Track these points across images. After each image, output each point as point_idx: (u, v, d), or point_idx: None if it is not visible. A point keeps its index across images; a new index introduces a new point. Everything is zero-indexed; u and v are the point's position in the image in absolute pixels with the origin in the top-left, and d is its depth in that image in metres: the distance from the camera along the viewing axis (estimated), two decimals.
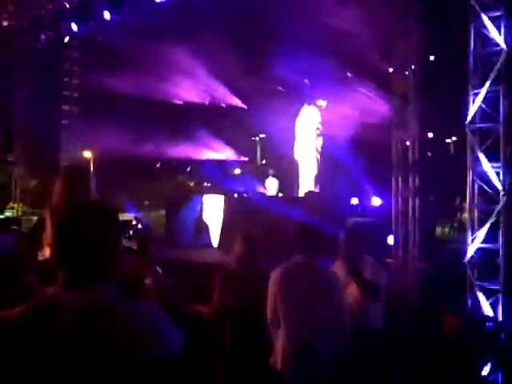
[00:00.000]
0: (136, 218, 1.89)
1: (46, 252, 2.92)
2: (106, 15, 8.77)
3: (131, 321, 1.45)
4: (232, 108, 13.57)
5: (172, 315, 1.59)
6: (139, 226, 1.85)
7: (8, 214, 13.17)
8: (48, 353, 1.39)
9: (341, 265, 4.38)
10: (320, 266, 3.44)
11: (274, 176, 11.93)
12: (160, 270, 1.77)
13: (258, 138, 14.07)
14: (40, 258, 2.97)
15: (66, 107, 13.48)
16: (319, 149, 10.97)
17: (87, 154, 14.96)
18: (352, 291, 4.07)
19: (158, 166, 15.88)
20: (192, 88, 13.21)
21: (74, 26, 9.41)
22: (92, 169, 14.40)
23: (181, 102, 13.97)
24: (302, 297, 3.29)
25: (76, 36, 10.55)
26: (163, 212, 13.14)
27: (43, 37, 10.08)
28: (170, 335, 1.56)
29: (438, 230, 10.43)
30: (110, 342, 1.40)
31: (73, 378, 1.38)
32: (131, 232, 1.82)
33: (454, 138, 10.48)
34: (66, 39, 10.84)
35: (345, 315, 3.33)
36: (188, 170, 15.64)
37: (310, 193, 11.02)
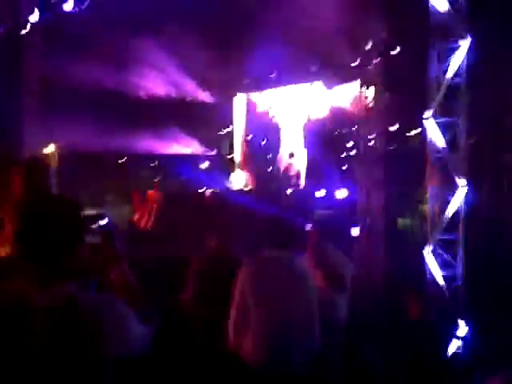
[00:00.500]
0: (98, 214, 1.87)
1: (5, 250, 2.84)
2: (68, 6, 8.56)
3: (96, 318, 1.44)
4: (199, 101, 13.48)
5: (139, 310, 1.59)
6: (103, 220, 1.83)
7: None
8: (13, 350, 1.37)
9: (307, 257, 4.43)
10: (290, 260, 3.35)
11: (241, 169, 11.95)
12: (126, 265, 1.76)
13: (225, 132, 14.02)
14: None
15: (26, 100, 13.08)
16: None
17: (49, 149, 14.57)
18: (318, 284, 4.12)
19: (122, 160, 15.61)
20: (158, 81, 13.03)
21: (35, 16, 9.15)
22: (55, 163, 14.04)
23: (147, 95, 13.77)
24: (274, 292, 3.18)
25: (37, 26, 10.24)
26: (127, 207, 12.97)
27: (1, 27, 9.76)
28: (136, 331, 1.55)
29: (400, 221, 10.66)
30: (74, 338, 1.39)
31: (37, 375, 1.37)
32: (95, 226, 1.80)
33: (415, 131, 10.72)
34: (27, 29, 10.51)
35: (315, 309, 3.30)
36: (153, 164, 15.44)
37: (278, 186, 11.10)
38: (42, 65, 12.34)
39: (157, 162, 15.38)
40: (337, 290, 4.22)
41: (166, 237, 9.04)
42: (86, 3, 8.50)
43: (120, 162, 15.74)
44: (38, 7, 8.98)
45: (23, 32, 10.48)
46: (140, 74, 12.51)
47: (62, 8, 8.75)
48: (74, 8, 8.65)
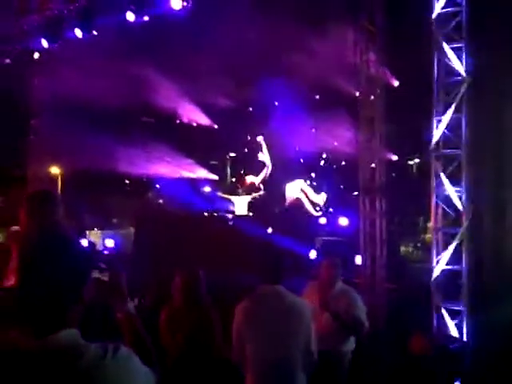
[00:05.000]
0: (90, 243, 1.85)
1: (10, 281, 2.76)
2: (77, 33, 8.73)
3: (96, 370, 1.33)
4: (203, 127, 13.62)
5: (143, 352, 1.55)
6: (108, 253, 1.81)
7: None
8: None
9: (313, 289, 4.40)
10: (286, 294, 3.31)
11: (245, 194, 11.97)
12: (132, 305, 1.73)
13: (228, 157, 14.16)
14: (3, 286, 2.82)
15: (33, 122, 13.23)
16: None
17: (55, 170, 14.69)
18: (326, 318, 4.09)
19: (127, 182, 15.71)
20: (163, 105, 13.19)
21: (44, 43, 9.33)
22: (59, 186, 14.13)
23: (152, 120, 13.93)
24: (267, 329, 3.20)
25: (46, 51, 10.44)
26: (132, 229, 12.98)
27: (12, 52, 9.97)
28: (141, 377, 1.45)
29: (402, 249, 10.67)
30: None
31: None
32: (102, 263, 1.77)
33: (416, 160, 10.90)
34: (36, 55, 10.71)
35: (312, 340, 3.30)
36: (157, 186, 15.53)
37: (279, 212, 11.13)
38: (49, 89, 12.54)
39: (160, 185, 15.49)
40: (348, 333, 4.18)
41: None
42: (94, 31, 8.65)
43: (124, 184, 15.85)
44: (47, 35, 9.14)
45: (33, 57, 10.68)
46: (146, 99, 12.66)
47: (69, 35, 8.91)
48: (82, 35, 8.81)
